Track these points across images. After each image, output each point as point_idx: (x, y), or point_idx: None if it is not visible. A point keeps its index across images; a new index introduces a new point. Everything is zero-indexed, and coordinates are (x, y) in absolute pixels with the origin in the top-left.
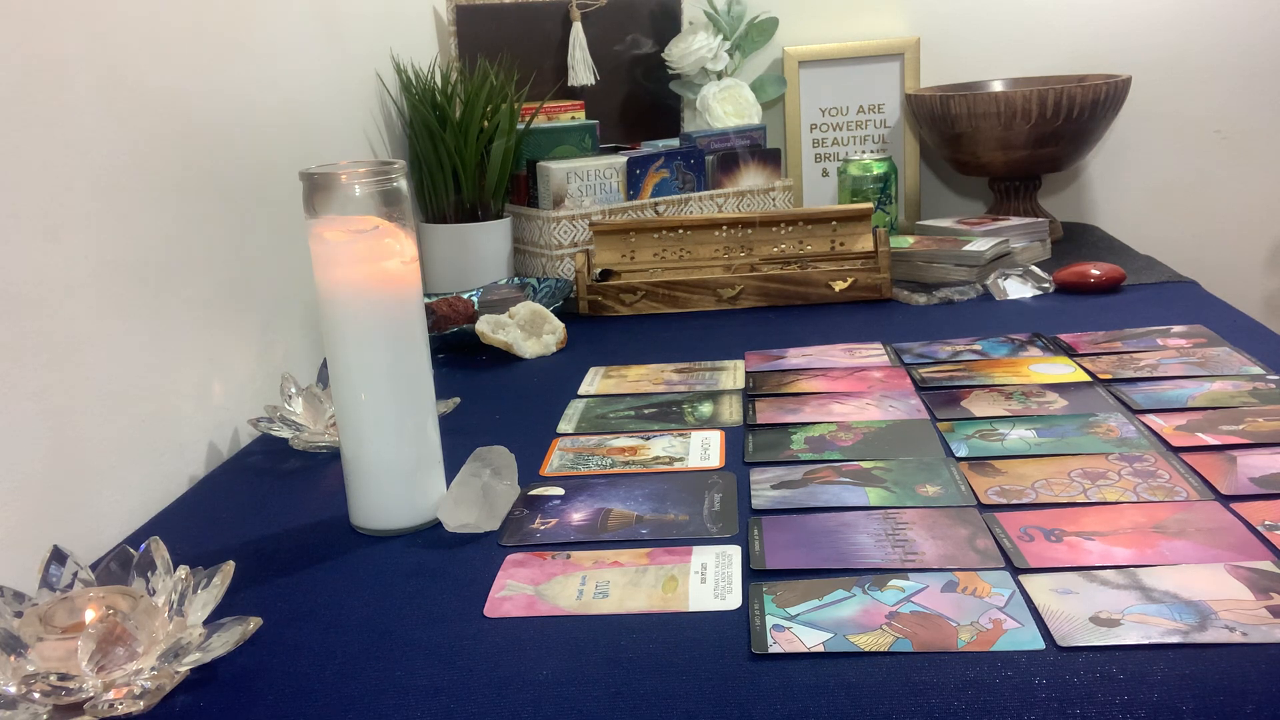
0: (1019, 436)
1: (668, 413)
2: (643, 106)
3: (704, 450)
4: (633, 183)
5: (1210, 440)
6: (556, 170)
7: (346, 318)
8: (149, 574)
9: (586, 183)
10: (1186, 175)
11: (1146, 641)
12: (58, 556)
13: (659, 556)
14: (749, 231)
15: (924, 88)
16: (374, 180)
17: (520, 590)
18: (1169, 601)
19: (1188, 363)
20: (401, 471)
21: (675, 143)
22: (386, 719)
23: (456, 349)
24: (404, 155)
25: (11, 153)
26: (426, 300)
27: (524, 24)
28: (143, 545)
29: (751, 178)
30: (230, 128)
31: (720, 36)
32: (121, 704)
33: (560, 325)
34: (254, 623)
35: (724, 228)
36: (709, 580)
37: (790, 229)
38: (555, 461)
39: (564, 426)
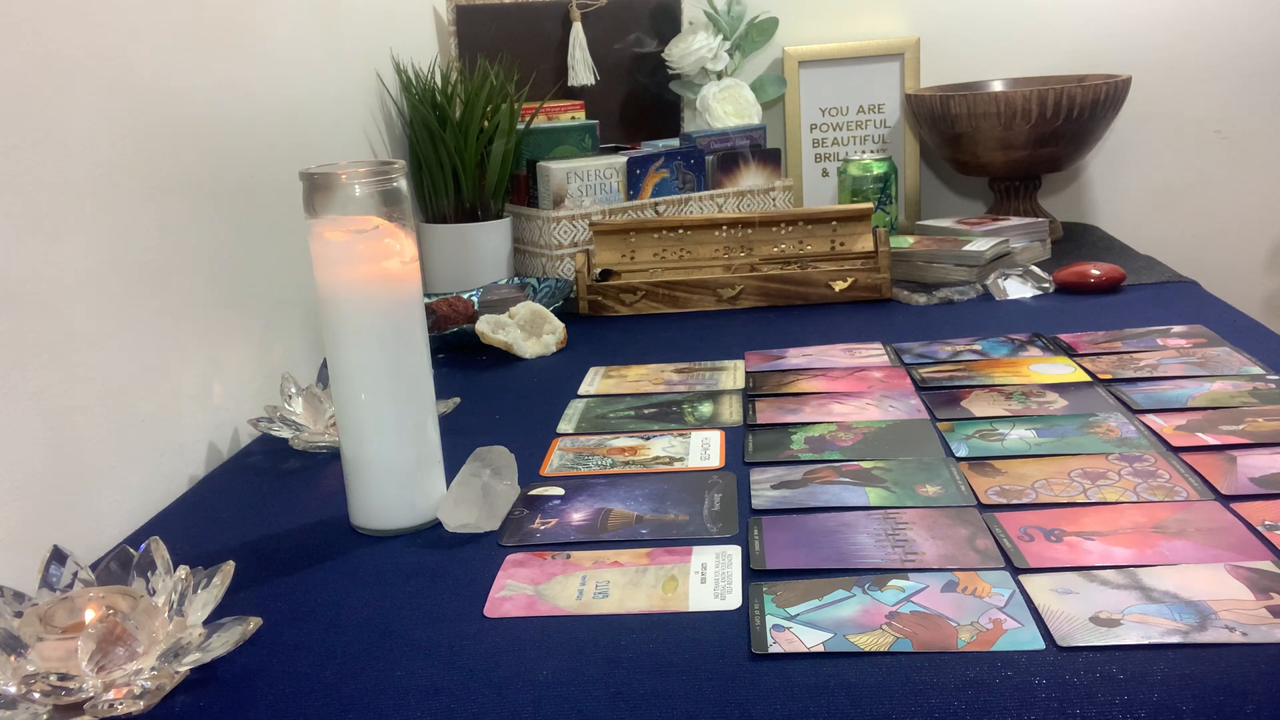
0: (1019, 436)
1: (668, 413)
2: (643, 106)
3: (704, 450)
4: (633, 183)
5: (1210, 440)
6: (556, 170)
7: (346, 318)
8: (149, 574)
9: (586, 183)
10: (1186, 175)
11: (1146, 641)
12: (58, 556)
13: (659, 556)
14: (749, 231)
15: (924, 88)
16: (374, 180)
17: (520, 590)
18: (1169, 601)
19: (1188, 363)
20: (401, 471)
21: (675, 143)
22: (386, 719)
23: (456, 349)
24: (404, 155)
25: (11, 153)
26: (426, 300)
27: (524, 24)
28: (143, 545)
29: (751, 178)
30: (231, 128)
31: (720, 36)
32: (121, 704)
33: (560, 325)
34: (254, 623)
35: (724, 228)
36: (709, 580)
37: (790, 229)
38: (555, 461)
39: (564, 426)
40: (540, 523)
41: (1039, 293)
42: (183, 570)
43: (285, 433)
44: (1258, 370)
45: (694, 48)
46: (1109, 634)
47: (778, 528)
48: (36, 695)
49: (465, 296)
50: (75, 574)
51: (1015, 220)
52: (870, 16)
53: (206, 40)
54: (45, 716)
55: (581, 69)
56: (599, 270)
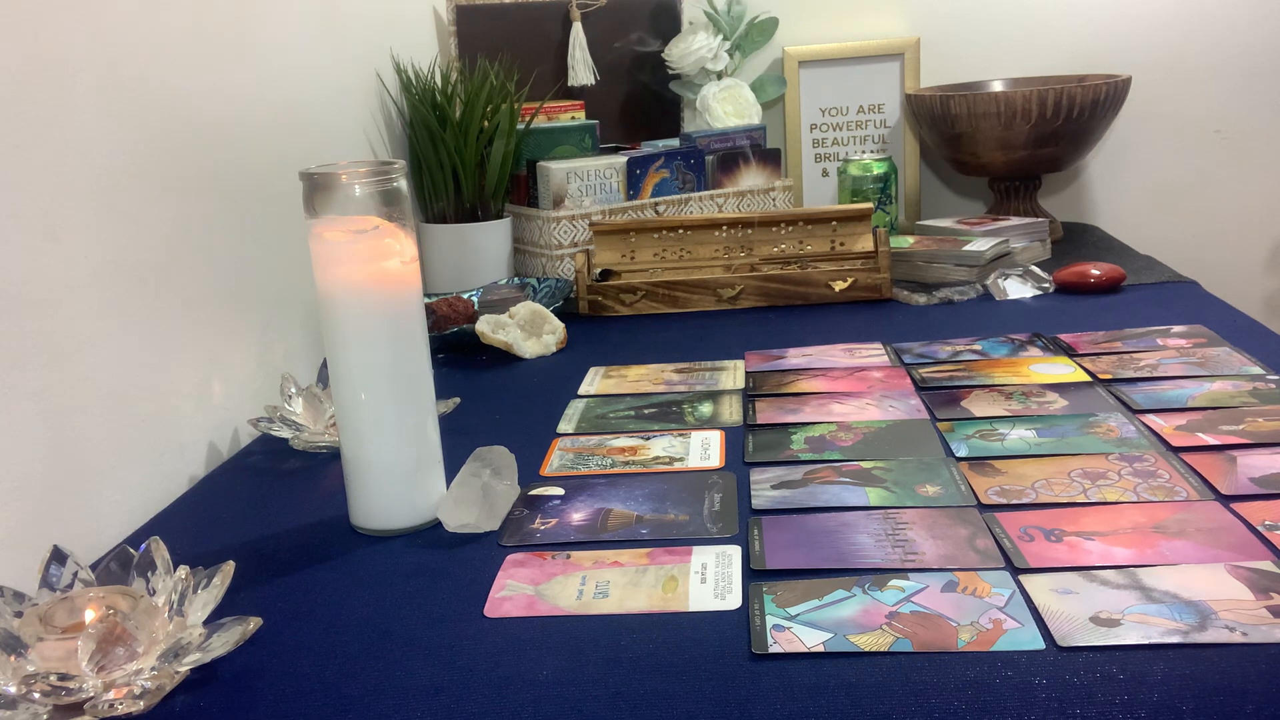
0: (1019, 436)
1: (668, 413)
2: (643, 106)
3: (704, 450)
4: (633, 183)
5: (1210, 440)
6: (556, 170)
7: (346, 318)
8: (149, 574)
9: (586, 183)
10: (1186, 175)
11: (1146, 641)
12: (58, 556)
13: (659, 556)
14: (749, 231)
15: (924, 88)
16: (374, 180)
17: (520, 590)
18: (1169, 601)
19: (1188, 363)
20: (401, 471)
21: (675, 143)
22: (386, 719)
23: (456, 349)
24: (404, 155)
25: (11, 153)
26: (426, 300)
27: (524, 24)
28: (143, 545)
29: (751, 178)
30: (230, 128)
31: (720, 36)
32: (121, 704)
33: (560, 325)
34: (254, 623)
35: (724, 228)
36: (709, 580)
37: (790, 229)
38: (555, 461)
39: (564, 426)
40: (540, 523)
41: (1039, 293)
42: (183, 570)
43: (285, 433)
44: (1258, 370)
45: (694, 48)
46: (1109, 634)
47: (778, 528)
48: (36, 695)
49: (465, 296)
50: (75, 574)
51: (1015, 220)
52: (870, 16)
53: (207, 40)
54: (45, 716)
55: (581, 69)
56: (599, 270)
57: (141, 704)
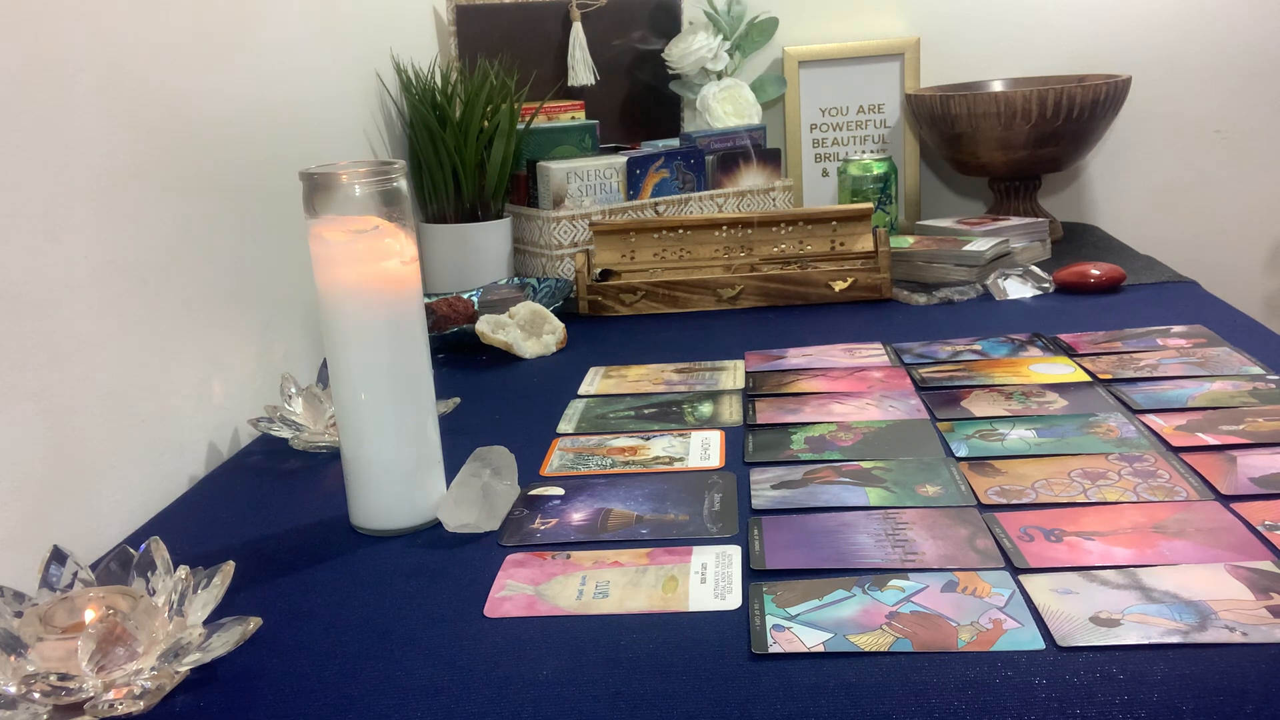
0: (1019, 436)
1: (668, 413)
2: (643, 106)
3: (704, 450)
4: (633, 183)
5: (1210, 440)
6: (556, 170)
7: (346, 318)
8: (149, 574)
9: (586, 183)
10: (1186, 175)
11: (1146, 641)
12: (58, 556)
13: (659, 556)
14: (749, 231)
15: (924, 88)
16: (374, 180)
17: (520, 590)
18: (1169, 601)
19: (1188, 363)
20: (401, 471)
21: (675, 143)
22: (386, 719)
23: (456, 349)
24: (404, 155)
25: (11, 153)
26: (426, 300)
27: (524, 24)
28: (143, 545)
29: (751, 178)
30: (230, 128)
31: (720, 36)
32: (121, 704)
33: (560, 325)
34: (254, 623)
35: (724, 228)
36: (709, 580)
37: (790, 229)
38: (555, 461)
39: (564, 426)
40: (540, 523)
41: (1039, 293)
42: (183, 570)
43: (285, 433)
44: (1258, 370)
45: (694, 48)
46: (1109, 634)
47: (778, 528)
48: (36, 695)
49: (465, 296)
50: (75, 574)
51: (1015, 220)
52: (870, 16)
53: (207, 40)
54: (45, 716)
55: (581, 69)
56: (599, 270)
57: (141, 704)
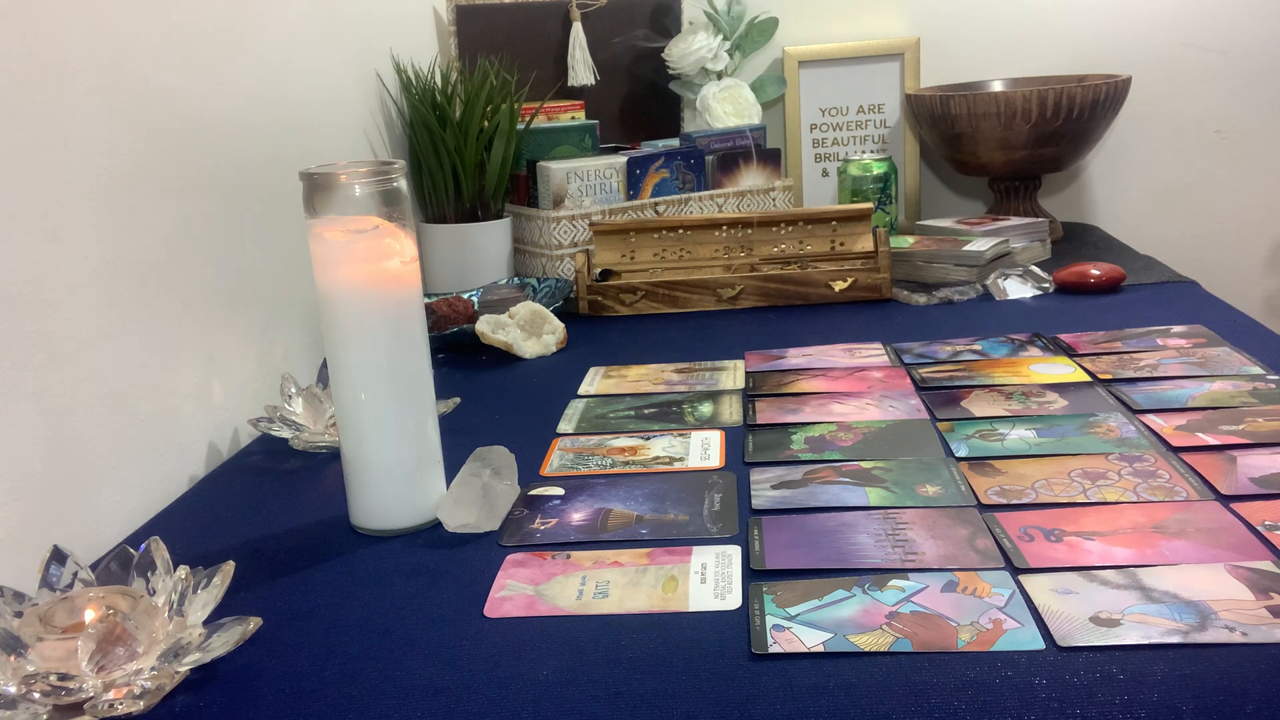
0: (1019, 436)
1: (668, 413)
2: (643, 106)
3: (704, 450)
4: (633, 183)
5: (1210, 440)
6: (556, 170)
7: (346, 318)
8: (149, 574)
9: (586, 183)
10: (1186, 175)
11: (1146, 641)
12: (58, 556)
13: (659, 556)
14: (749, 231)
15: (924, 88)
16: (374, 180)
17: (520, 590)
18: (1169, 601)
19: (1188, 363)
20: (401, 471)
21: (675, 143)
22: (386, 719)
23: (456, 349)
24: (404, 155)
25: (11, 153)
26: (426, 300)
27: (524, 24)
28: (143, 545)
29: (751, 178)
30: (230, 128)
31: (720, 36)
32: (121, 704)
33: (560, 325)
34: (254, 623)
35: (724, 228)
36: (709, 580)
37: (790, 229)
38: (555, 461)
39: (564, 426)
40: (540, 523)
41: (1039, 293)
42: (183, 570)
43: (285, 433)
44: (1258, 370)
45: (694, 48)
46: (1109, 634)
47: (778, 528)
48: (36, 695)
49: (465, 296)
50: (75, 574)
51: (1015, 220)
52: (870, 16)
53: (206, 40)
54: (45, 716)
55: (581, 69)
56: (599, 270)
57: (141, 704)
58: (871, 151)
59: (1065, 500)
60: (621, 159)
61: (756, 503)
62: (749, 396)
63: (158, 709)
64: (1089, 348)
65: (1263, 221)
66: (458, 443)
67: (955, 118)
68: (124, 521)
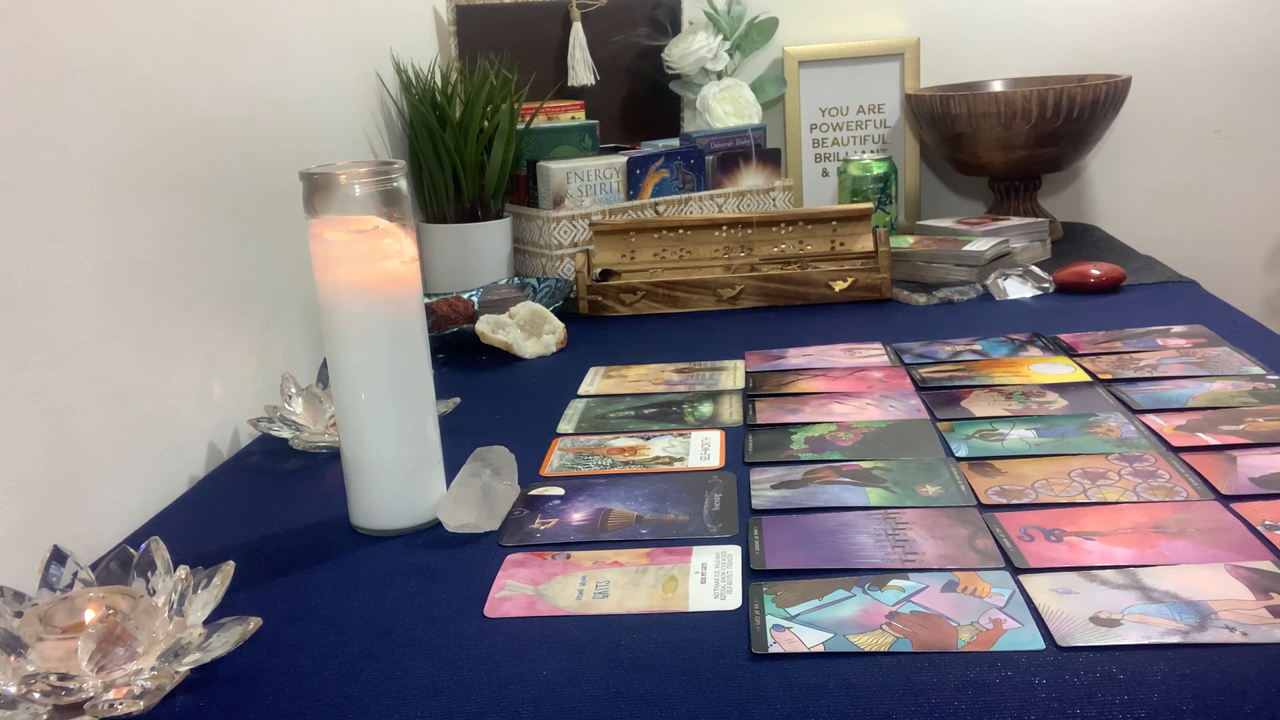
0: (1019, 436)
1: (668, 413)
2: (643, 106)
3: (704, 450)
4: (633, 183)
5: (1210, 440)
6: (556, 170)
7: (346, 318)
8: (149, 574)
9: (586, 183)
10: (1186, 175)
11: (1146, 641)
12: (58, 556)
13: (659, 556)
14: (749, 231)
15: (924, 88)
16: (374, 180)
17: (520, 590)
18: (1169, 601)
19: (1188, 363)
20: (401, 471)
21: (675, 143)
22: (386, 719)
23: (456, 349)
24: (404, 155)
25: (11, 153)
26: (426, 300)
27: (524, 24)
28: (143, 545)
29: (751, 178)
30: (230, 127)
31: (720, 36)
32: (121, 704)
33: (560, 325)
34: (254, 623)
35: (724, 228)
36: (709, 580)
37: (790, 229)
38: (555, 461)
39: (564, 426)
40: (540, 523)
41: (1039, 293)
42: (183, 570)
43: (285, 433)
44: (1258, 370)
45: (694, 48)
46: (1109, 634)
47: (778, 528)
48: (36, 695)
49: (465, 296)
50: (75, 574)
51: (1015, 220)
52: (870, 16)
53: (206, 40)
54: (45, 716)
55: (581, 69)
56: (599, 270)
57: (141, 704)
58: (871, 151)
59: (1065, 500)
60: (621, 159)
61: (756, 503)
62: (749, 396)
63: (158, 709)
64: (1089, 348)
65: (1263, 221)
66: (458, 443)
67: (955, 118)
68: (124, 521)
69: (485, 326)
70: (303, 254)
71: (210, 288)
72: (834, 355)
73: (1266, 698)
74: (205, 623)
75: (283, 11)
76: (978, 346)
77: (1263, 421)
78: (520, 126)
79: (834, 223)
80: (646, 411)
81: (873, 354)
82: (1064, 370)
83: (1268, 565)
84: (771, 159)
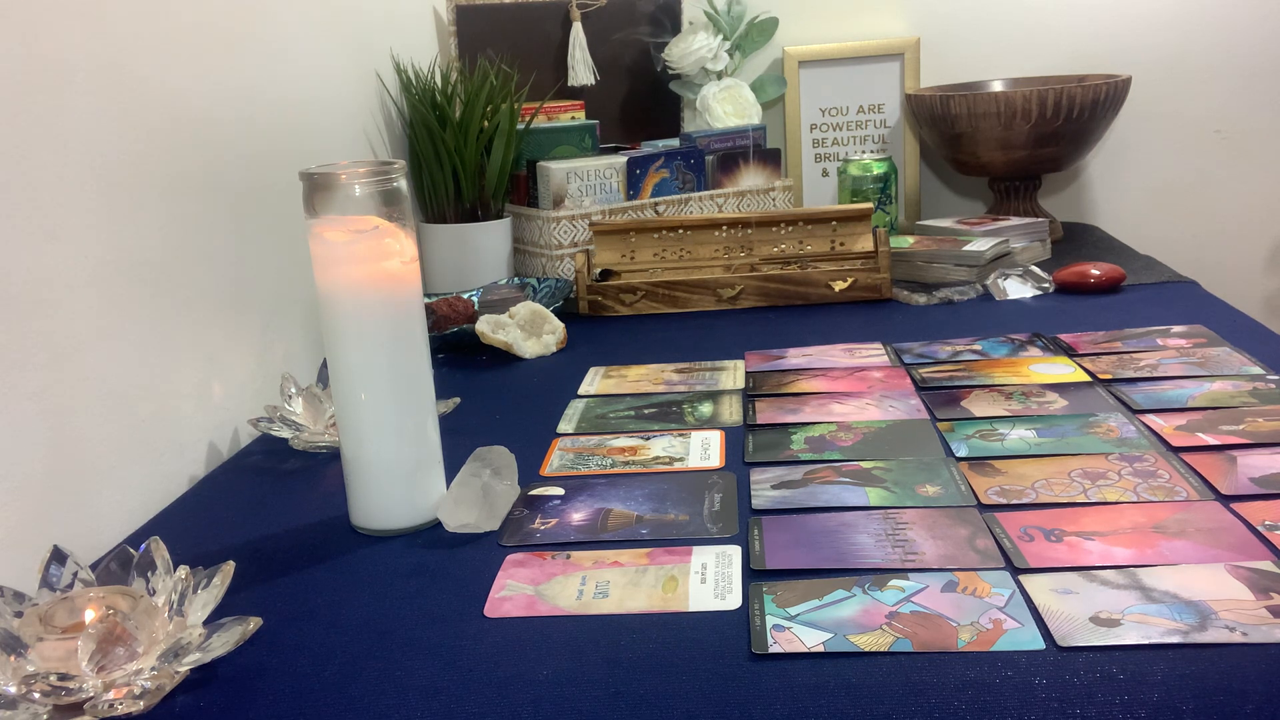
0: (1019, 436)
1: (668, 413)
2: (643, 106)
3: (704, 450)
4: (633, 183)
5: (1210, 440)
6: (556, 170)
7: (346, 318)
8: (149, 574)
9: (586, 183)
10: (1186, 175)
11: (1146, 641)
12: (58, 556)
13: (659, 556)
14: (749, 231)
15: (924, 88)
16: (374, 180)
17: (520, 590)
18: (1169, 601)
19: (1188, 363)
20: (401, 471)
21: (675, 143)
22: (386, 719)
23: (456, 349)
24: (404, 155)
25: (11, 153)
26: (426, 300)
27: (524, 24)
28: (143, 545)
29: (751, 178)
30: (230, 127)
31: (720, 36)
32: (121, 704)
33: (560, 325)
34: (254, 623)
35: (724, 228)
36: (709, 580)
37: (790, 229)
38: (555, 461)
39: (564, 426)
40: (540, 523)
41: (1039, 293)
42: (183, 570)
43: (285, 433)
44: (1258, 370)
45: (694, 48)
46: (1109, 634)
47: (778, 528)
48: (36, 695)
49: (465, 296)
50: (75, 574)
51: (1015, 220)
52: (870, 16)
53: (207, 40)
54: (45, 716)
55: (581, 69)
56: (599, 270)
57: (141, 704)
58: (871, 151)
59: (1065, 500)
60: (621, 159)
61: (756, 503)
62: (749, 396)
63: (158, 709)
64: (1089, 348)
65: (1263, 221)
66: (458, 443)
67: (955, 118)
68: (124, 521)
69: (485, 326)
70: (303, 254)
71: (210, 288)
72: (834, 355)
73: (1266, 698)
74: (205, 623)
75: (282, 11)
76: (978, 346)
77: (1263, 421)
78: (520, 126)
79: (834, 223)
80: (646, 411)
81: (873, 354)
82: (1064, 370)
83: (1268, 565)
84: (771, 159)
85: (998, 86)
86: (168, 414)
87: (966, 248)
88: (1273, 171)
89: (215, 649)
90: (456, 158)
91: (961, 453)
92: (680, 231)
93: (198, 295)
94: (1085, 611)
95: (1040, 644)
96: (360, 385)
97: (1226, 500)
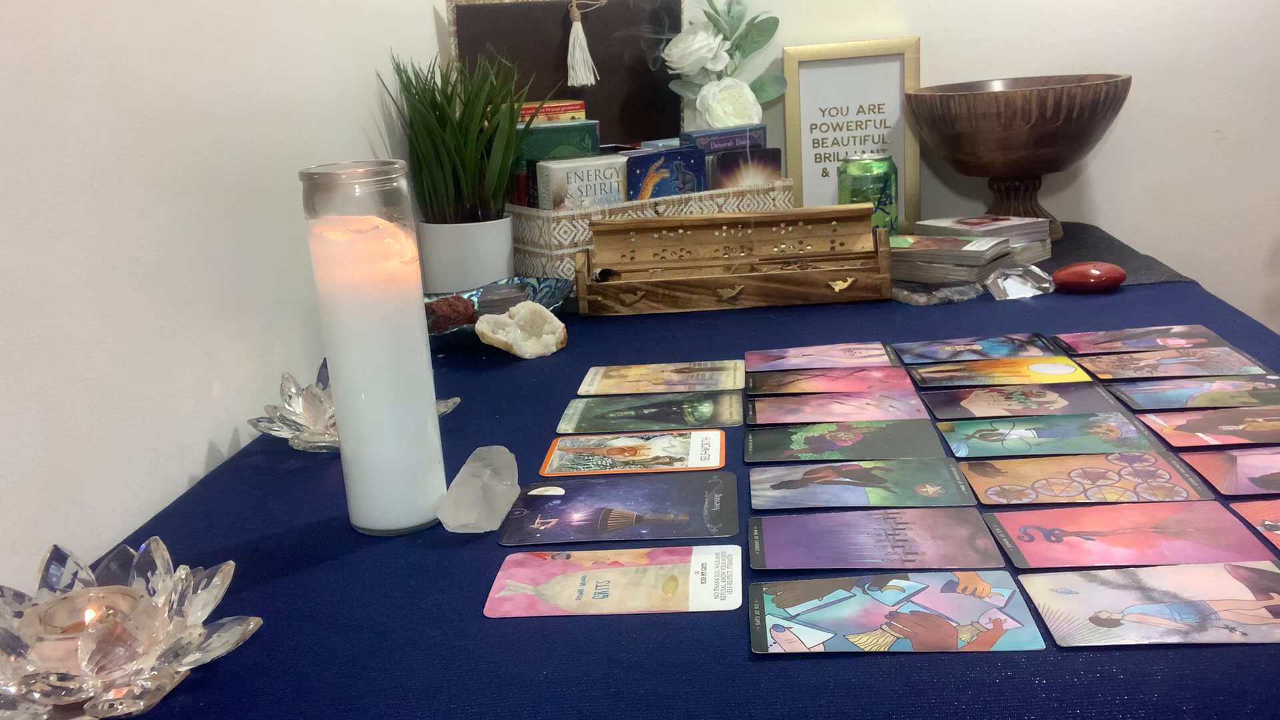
0: (1019, 436)
1: (668, 413)
2: (643, 106)
3: (704, 450)
4: (633, 183)
5: (1210, 440)
6: (556, 170)
7: (346, 318)
8: (149, 574)
9: (586, 183)
10: (1186, 175)
11: (1146, 641)
12: (58, 556)
13: (659, 556)
14: (749, 231)
15: (924, 88)
16: (374, 180)
17: (520, 590)
18: (1169, 601)
19: (1188, 363)
20: (401, 471)
21: (675, 143)
22: (386, 719)
23: (456, 349)
24: (404, 155)
25: (11, 153)
26: (426, 300)
27: (524, 24)
28: (143, 545)
29: (751, 178)
30: (230, 127)
31: (720, 36)
32: (121, 704)
33: (560, 325)
34: (254, 623)
35: (724, 228)
36: (709, 580)
37: (790, 229)
38: (555, 461)
39: (564, 426)
40: (540, 523)
41: (1039, 293)
42: (183, 570)
43: (285, 433)
44: (1258, 370)
45: (694, 48)
46: (1109, 634)
47: (778, 528)
48: (36, 695)
49: (465, 296)
50: (75, 574)
51: (1015, 220)
52: (870, 16)
53: (206, 40)
54: (45, 716)
55: (581, 69)
56: (599, 270)
57: (141, 704)
58: (871, 151)
59: (1065, 500)
60: (621, 159)
61: (756, 503)
62: (749, 396)
63: (158, 709)
64: (1089, 348)
65: (1263, 221)
66: (458, 443)
67: (955, 118)
68: (124, 521)
69: (485, 326)
70: (303, 254)
71: (210, 288)
72: (834, 355)
73: (1266, 698)
74: (205, 623)
75: (282, 11)
76: (978, 346)
77: (1263, 421)
78: (520, 126)
79: (834, 223)
80: (646, 411)
81: (873, 354)
82: (1064, 370)
83: (1268, 565)
84: (771, 159)
85: (998, 86)
86: (168, 414)
87: (966, 248)
88: (1273, 171)
89: (215, 649)
90: (456, 158)
91: (961, 453)
92: (680, 231)
93: (197, 295)
94: (1085, 611)
95: (1040, 644)
96: (360, 385)
97: (1226, 500)
